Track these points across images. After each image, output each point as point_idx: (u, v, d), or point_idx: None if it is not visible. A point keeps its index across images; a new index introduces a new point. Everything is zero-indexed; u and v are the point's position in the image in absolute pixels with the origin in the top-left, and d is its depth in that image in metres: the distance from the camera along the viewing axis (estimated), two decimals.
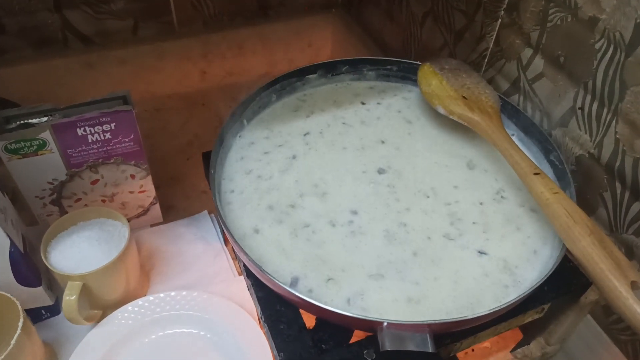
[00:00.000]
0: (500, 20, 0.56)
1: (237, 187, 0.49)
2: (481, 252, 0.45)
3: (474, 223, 0.47)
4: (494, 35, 0.57)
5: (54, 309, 0.55)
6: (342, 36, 0.91)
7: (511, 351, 0.57)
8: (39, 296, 0.53)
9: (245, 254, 0.41)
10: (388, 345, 0.37)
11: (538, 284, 0.40)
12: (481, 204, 0.49)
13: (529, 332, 0.56)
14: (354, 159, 0.54)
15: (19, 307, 0.47)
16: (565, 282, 0.47)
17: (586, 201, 0.50)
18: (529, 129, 0.54)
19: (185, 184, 0.72)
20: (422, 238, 0.47)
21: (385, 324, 0.37)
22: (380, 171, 0.53)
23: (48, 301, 0.54)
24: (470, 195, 0.50)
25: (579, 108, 0.49)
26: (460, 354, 0.56)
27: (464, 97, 0.53)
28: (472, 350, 0.57)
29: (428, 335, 0.38)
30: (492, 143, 0.50)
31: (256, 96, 0.56)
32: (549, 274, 0.41)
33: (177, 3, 0.78)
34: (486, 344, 0.58)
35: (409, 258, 0.45)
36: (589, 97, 0.48)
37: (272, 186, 0.50)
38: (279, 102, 0.59)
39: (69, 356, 0.51)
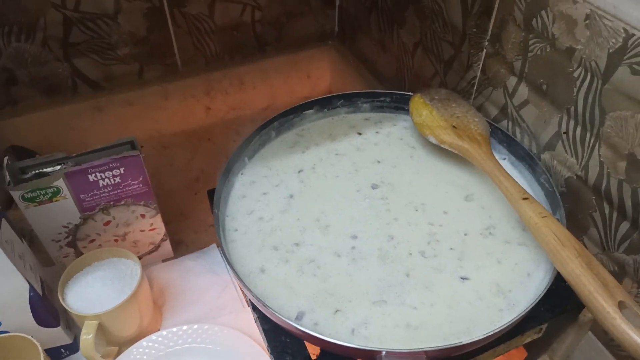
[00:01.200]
0: (485, 50, 0.58)
1: (240, 226, 0.52)
2: (463, 278, 0.47)
3: (450, 249, 0.49)
4: (481, 65, 0.60)
5: (73, 347, 0.58)
6: (338, 66, 0.94)
7: None
8: (58, 336, 0.56)
9: (250, 290, 0.43)
10: None
11: (530, 307, 0.42)
12: (465, 234, 0.50)
13: (533, 350, 0.57)
14: (347, 182, 0.56)
15: (39, 348, 0.49)
16: (561, 302, 0.48)
17: (577, 221, 0.52)
18: (519, 153, 0.56)
19: (194, 218, 0.75)
20: (406, 254, 0.49)
21: (384, 352, 0.39)
22: (374, 186, 0.55)
23: (67, 340, 0.57)
24: (456, 224, 0.51)
25: (564, 132, 0.51)
26: None
27: (454, 127, 0.55)
28: None
29: None
30: (482, 169, 0.52)
31: (256, 134, 0.59)
32: (541, 296, 0.43)
33: (179, 45, 0.82)
34: None
35: (403, 280, 0.47)
36: (572, 122, 0.50)
37: (274, 227, 0.51)
38: (278, 138, 0.62)
39: None
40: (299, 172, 0.58)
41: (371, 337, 0.42)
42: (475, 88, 0.62)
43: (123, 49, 0.79)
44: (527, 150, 0.55)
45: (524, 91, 0.55)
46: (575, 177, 0.51)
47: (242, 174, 0.58)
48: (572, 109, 0.49)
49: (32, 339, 0.50)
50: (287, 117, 0.62)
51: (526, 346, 0.58)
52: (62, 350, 0.57)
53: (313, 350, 0.45)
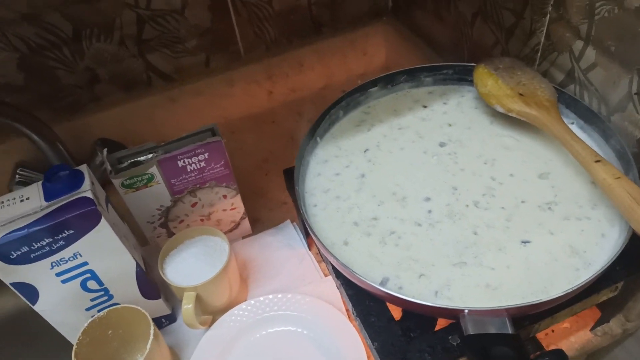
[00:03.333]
0: (548, 15, 0.58)
1: (319, 202, 0.55)
2: (524, 242, 0.49)
3: (502, 208, 0.51)
4: (544, 30, 0.60)
5: (172, 317, 0.64)
6: (394, 41, 0.95)
7: (591, 330, 0.60)
8: (159, 307, 0.62)
9: (336, 258, 0.47)
10: (471, 329, 0.42)
11: (606, 267, 0.43)
12: (522, 202, 0.51)
13: (608, 310, 0.58)
14: (412, 150, 0.59)
15: (149, 317, 0.56)
16: (637, 260, 0.49)
17: None
18: (588, 117, 0.56)
19: (267, 197, 0.79)
20: (463, 206, 0.52)
21: (467, 310, 0.42)
22: (442, 144, 0.58)
23: (167, 310, 0.63)
24: (517, 189, 0.53)
25: (635, 93, 0.51)
26: (540, 335, 0.59)
27: (520, 94, 0.56)
28: (552, 331, 0.60)
29: (507, 319, 0.42)
30: (552, 135, 0.53)
31: (326, 114, 0.62)
32: (616, 255, 0.44)
33: (241, 33, 0.86)
34: (565, 324, 0.60)
35: (475, 239, 0.49)
36: None
37: (352, 205, 0.54)
38: (345, 117, 0.65)
39: (189, 357, 0.60)
40: (365, 151, 0.60)
41: (454, 298, 0.45)
42: (539, 54, 0.62)
43: (190, 41, 0.83)
44: (596, 113, 0.55)
45: (591, 54, 0.55)
46: None
47: (315, 153, 0.61)
48: None
49: (141, 309, 0.56)
50: (353, 95, 0.65)
51: (600, 306, 0.59)
52: (163, 320, 0.64)
53: (395, 313, 0.49)
